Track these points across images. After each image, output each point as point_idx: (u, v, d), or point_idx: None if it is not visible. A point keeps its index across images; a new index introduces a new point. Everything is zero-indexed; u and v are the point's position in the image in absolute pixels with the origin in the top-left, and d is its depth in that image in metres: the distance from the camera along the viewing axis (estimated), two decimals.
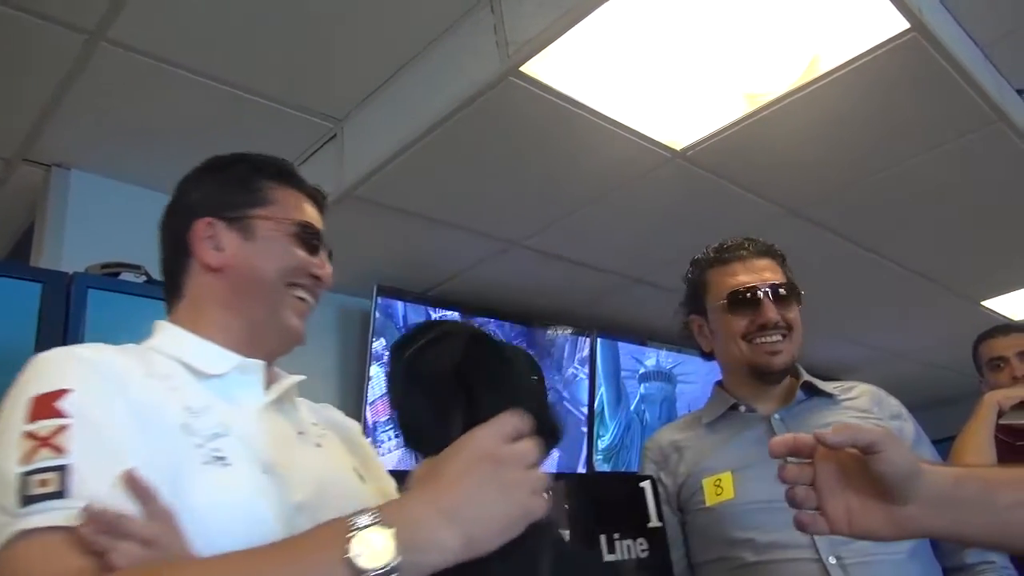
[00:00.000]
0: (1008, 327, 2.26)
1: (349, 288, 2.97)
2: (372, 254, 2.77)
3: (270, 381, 0.98)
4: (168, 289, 0.99)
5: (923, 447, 1.44)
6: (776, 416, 1.45)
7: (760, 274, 1.44)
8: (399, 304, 2.96)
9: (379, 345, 2.83)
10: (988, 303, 3.87)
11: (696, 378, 4.01)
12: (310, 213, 1.04)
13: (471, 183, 2.36)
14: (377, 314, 2.85)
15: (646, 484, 1.08)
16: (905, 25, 1.79)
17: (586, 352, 3.54)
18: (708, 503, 1.41)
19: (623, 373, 3.80)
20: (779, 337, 1.42)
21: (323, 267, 1.02)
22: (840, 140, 2.29)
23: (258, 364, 0.94)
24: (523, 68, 1.83)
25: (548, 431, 0.74)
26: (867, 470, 0.79)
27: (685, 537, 1.47)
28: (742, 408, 1.49)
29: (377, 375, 2.78)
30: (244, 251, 0.95)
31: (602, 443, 3.57)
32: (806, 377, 1.49)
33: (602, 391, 3.64)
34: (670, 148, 2.26)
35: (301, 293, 0.99)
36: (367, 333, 2.85)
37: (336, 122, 2.32)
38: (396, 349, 0.78)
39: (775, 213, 2.68)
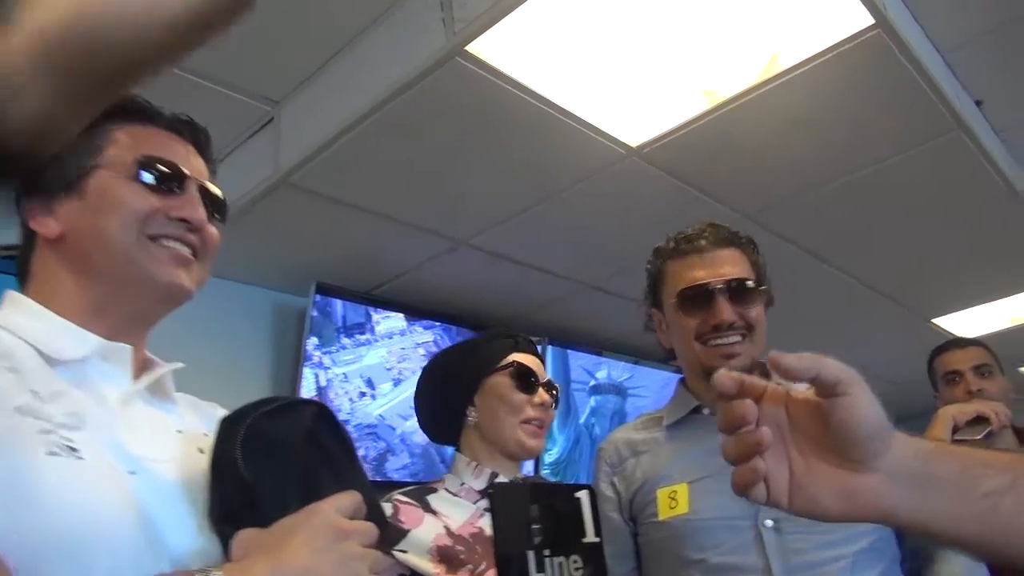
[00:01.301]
0: (963, 341, 2.22)
1: (286, 284, 2.81)
2: (311, 248, 2.62)
3: (142, 368, 0.83)
4: (19, 273, 0.85)
5: None
6: None
7: (717, 268, 1.30)
8: (338, 303, 2.80)
9: (312, 344, 2.67)
10: (938, 321, 3.87)
11: (649, 392, 3.93)
12: (167, 146, 0.87)
13: (416, 174, 2.23)
14: (314, 312, 2.69)
15: (583, 494, 0.96)
16: (870, 20, 1.73)
17: None
18: (661, 516, 1.29)
19: (573, 384, 3.69)
20: (737, 338, 1.29)
21: (187, 207, 0.85)
22: (799, 143, 2.22)
23: (123, 349, 0.80)
24: (470, 48, 1.72)
25: (376, 522, 0.75)
26: (824, 423, 0.63)
27: (637, 550, 1.35)
28: (705, 411, 1.37)
29: (308, 377, 2.62)
30: (77, 212, 0.80)
31: (549, 457, 3.44)
32: (775, 379, 1.38)
33: None
34: (626, 145, 2.16)
35: (169, 243, 0.83)
36: (303, 332, 2.68)
37: (273, 104, 2.17)
38: (231, 420, 0.74)
39: (733, 219, 2.60)
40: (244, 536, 0.68)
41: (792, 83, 1.93)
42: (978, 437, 1.91)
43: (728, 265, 1.31)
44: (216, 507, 0.72)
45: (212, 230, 0.88)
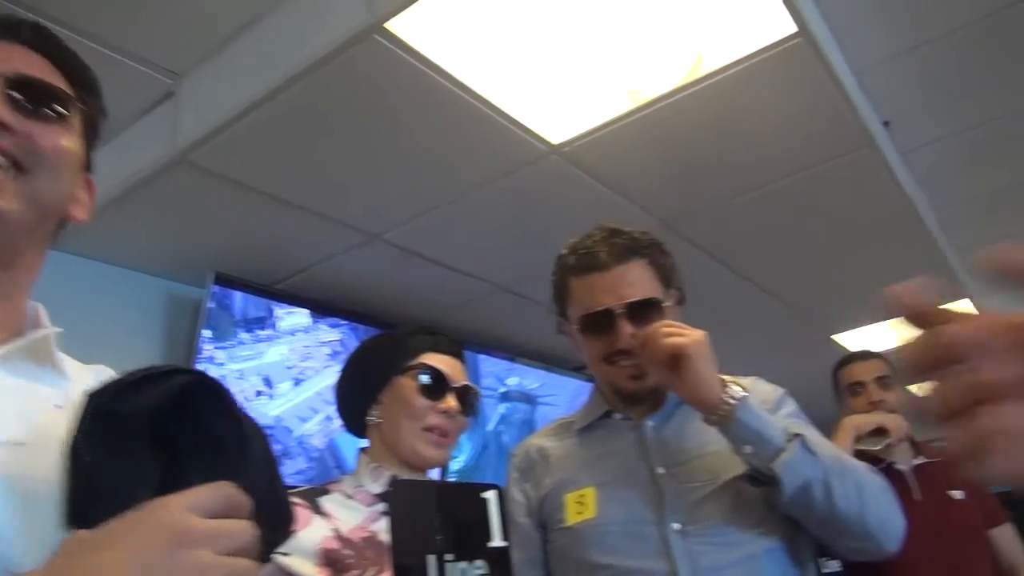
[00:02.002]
0: (867, 354, 2.27)
1: (182, 273, 2.63)
2: (210, 235, 2.46)
3: (13, 333, 0.71)
4: None
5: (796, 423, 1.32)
6: (649, 423, 1.29)
7: (619, 290, 1.25)
8: (238, 295, 2.64)
9: (206, 337, 2.50)
10: (838, 337, 3.99)
11: (560, 400, 3.90)
12: None
13: (326, 159, 2.11)
14: (211, 304, 2.52)
15: (490, 495, 0.88)
16: (793, 28, 1.74)
17: None
18: (569, 522, 1.24)
19: (483, 391, 3.62)
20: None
21: None
22: (720, 150, 2.23)
23: None
24: (390, 25, 1.63)
25: (271, 522, 0.59)
26: None
27: (546, 558, 1.29)
28: (616, 415, 1.34)
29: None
30: None
31: (456, 464, 3.36)
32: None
33: None
34: (547, 142, 2.11)
35: None
36: (197, 325, 2.51)
37: (175, 77, 2.02)
38: (90, 394, 0.58)
39: (651, 225, 2.59)
40: (67, 544, 0.52)
41: (715, 87, 1.92)
42: (878, 448, 1.95)
43: (630, 285, 1.25)
44: (64, 503, 0.58)
45: (32, 129, 0.70)
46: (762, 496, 1.14)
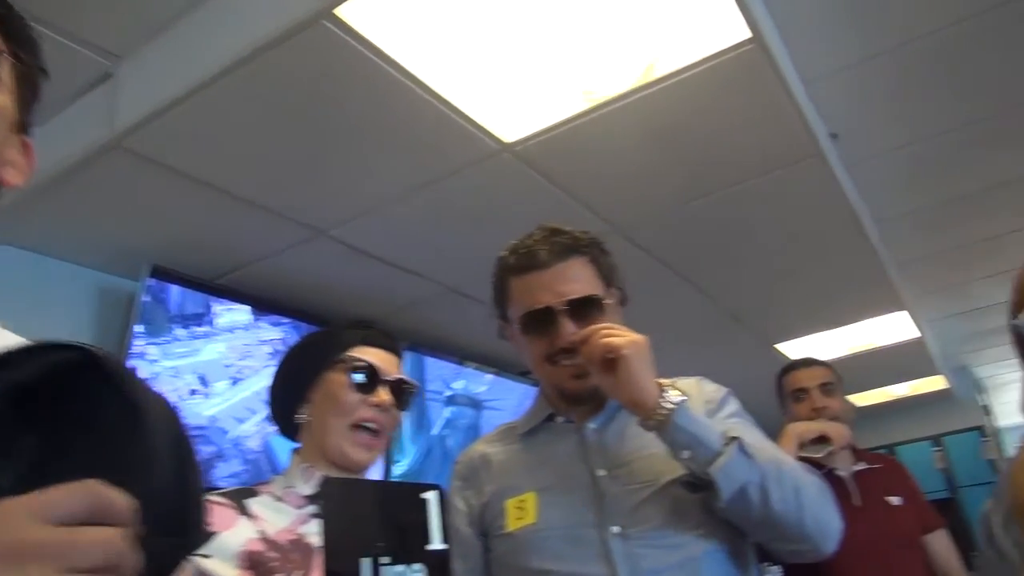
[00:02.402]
0: (811, 361, 2.30)
1: (116, 266, 2.51)
2: (147, 225, 2.36)
3: None
4: None
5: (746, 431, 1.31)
6: (591, 425, 1.27)
7: (559, 287, 1.23)
8: (175, 289, 2.54)
9: (139, 332, 2.39)
10: (781, 346, 4.05)
11: (507, 405, 3.86)
12: None
13: (271, 150, 2.04)
14: (146, 297, 2.42)
15: (430, 495, 0.84)
16: (747, 34, 1.75)
17: None
18: (509, 528, 1.21)
19: (429, 394, 3.56)
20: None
21: None
22: (671, 155, 2.23)
23: None
24: (340, 12, 1.58)
25: (177, 525, 0.50)
26: None
27: (488, 566, 1.26)
28: (559, 419, 1.31)
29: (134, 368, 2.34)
30: None
31: (399, 469, 3.29)
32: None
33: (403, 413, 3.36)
34: (499, 140, 2.08)
35: None
36: (130, 319, 2.40)
37: (114, 59, 1.93)
38: None
39: (602, 229, 2.58)
40: None
41: (668, 91, 1.92)
42: (820, 455, 1.97)
43: (570, 282, 1.24)
44: None
45: None
46: (701, 500, 1.13)
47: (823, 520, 1.16)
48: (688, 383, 1.33)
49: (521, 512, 1.22)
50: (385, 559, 0.76)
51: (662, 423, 1.09)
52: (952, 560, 2.16)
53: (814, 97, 2.34)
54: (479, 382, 3.83)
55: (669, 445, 1.11)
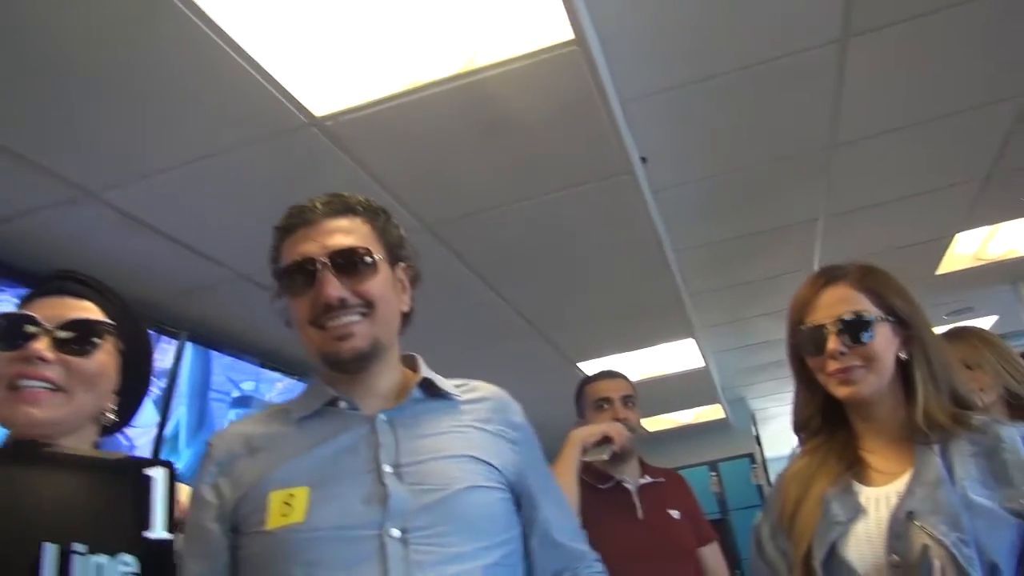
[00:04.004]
0: (614, 373, 2.34)
1: None
2: None
3: None
4: None
5: (538, 461, 1.25)
6: (382, 417, 1.14)
7: (325, 240, 1.12)
8: None
9: None
10: (583, 365, 4.15)
11: None
12: None
13: (33, 88, 1.72)
14: None
15: (156, 473, 0.68)
16: (570, 35, 1.73)
17: (169, 359, 2.93)
18: (269, 525, 1.04)
19: (212, 392, 3.25)
20: (355, 317, 1.11)
21: None
22: (486, 152, 2.18)
23: None
24: None
25: None
26: None
27: (236, 569, 1.08)
28: (343, 404, 1.17)
29: None
30: None
31: None
32: (425, 372, 1.21)
33: (181, 411, 3.04)
34: (308, 112, 1.92)
35: None
36: None
37: None
38: None
39: (409, 225, 2.48)
40: None
41: (487, 83, 1.87)
42: (604, 457, 1.97)
43: (340, 235, 1.13)
44: None
45: None
46: (492, 511, 1.09)
47: None
48: (491, 394, 1.26)
49: (287, 508, 1.05)
50: (80, 547, 0.60)
51: None
52: (723, 571, 2.26)
53: (629, 117, 2.39)
54: (273, 384, 3.56)
55: None
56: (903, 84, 2.45)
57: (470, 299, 3.13)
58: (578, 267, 3.05)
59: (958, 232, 3.82)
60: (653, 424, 6.77)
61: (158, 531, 0.68)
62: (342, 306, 1.09)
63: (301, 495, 1.05)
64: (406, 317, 1.24)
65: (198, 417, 3.15)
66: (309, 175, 2.11)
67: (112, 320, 1.16)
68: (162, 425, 2.88)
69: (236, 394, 3.40)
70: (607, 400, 2.22)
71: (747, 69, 2.26)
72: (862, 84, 2.40)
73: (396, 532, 1.02)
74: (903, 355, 1.24)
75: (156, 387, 2.86)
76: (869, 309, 1.24)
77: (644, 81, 2.26)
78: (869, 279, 1.29)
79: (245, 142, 2.00)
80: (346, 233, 1.13)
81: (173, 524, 0.68)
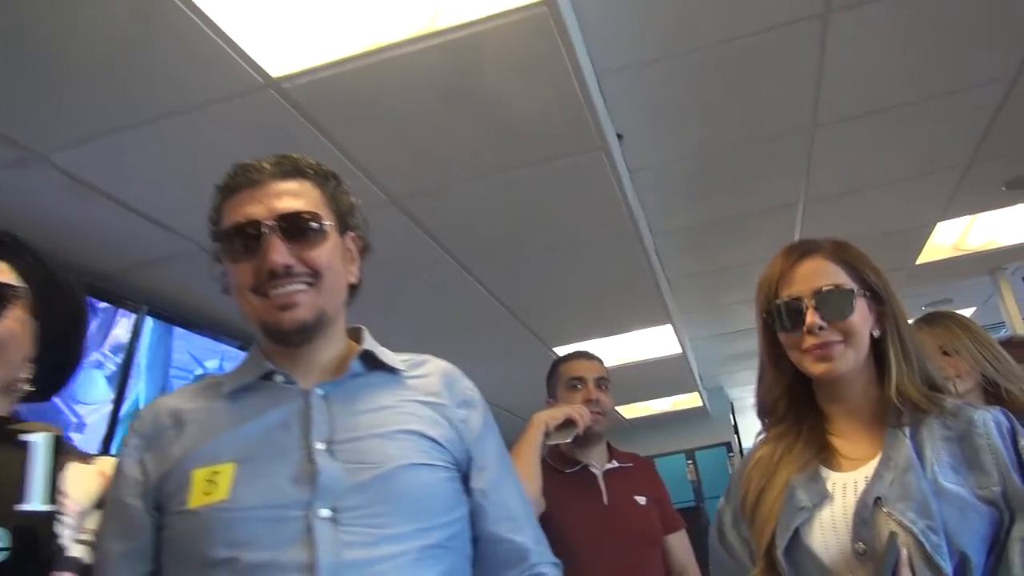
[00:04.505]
0: (590, 354, 2.29)
1: None
2: None
3: None
4: None
5: (488, 442, 1.17)
6: (319, 391, 1.07)
7: (271, 202, 1.05)
8: None
9: None
10: (559, 350, 4.08)
11: None
12: None
13: None
14: None
15: (36, 439, 0.61)
16: None
17: (126, 333, 2.83)
18: (192, 504, 0.97)
19: (173, 370, 3.15)
20: (300, 286, 1.04)
21: None
22: (453, 122, 2.09)
23: None
24: None
25: None
26: None
27: (159, 549, 1.01)
28: (279, 377, 1.09)
29: None
30: None
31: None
32: (368, 344, 1.14)
33: (139, 388, 2.94)
34: (265, 73, 1.83)
35: None
36: None
37: None
38: None
39: (375, 199, 2.39)
40: None
41: (452, 46, 1.78)
42: (568, 440, 1.92)
43: (288, 198, 1.06)
44: None
45: None
46: (433, 492, 1.03)
47: None
48: (439, 369, 1.19)
49: (211, 486, 0.98)
50: None
51: None
52: (689, 561, 2.21)
53: (605, 90, 2.31)
54: (238, 363, 3.46)
55: None
56: (885, 65, 2.40)
57: (441, 279, 3.05)
58: (552, 247, 2.97)
59: (939, 221, 3.79)
60: (631, 412, 6.74)
61: (35, 503, 0.60)
62: (287, 274, 1.03)
63: (226, 472, 0.99)
64: (354, 289, 1.17)
65: (159, 395, 3.06)
66: (270, 143, 1.96)
67: (30, 283, 1.07)
68: (117, 402, 2.78)
69: (199, 371, 3.30)
70: (580, 380, 2.16)
71: (727, 43, 2.19)
72: (843, 63, 2.34)
73: (325, 512, 0.96)
74: (876, 332, 1.19)
75: (111, 363, 2.77)
76: (847, 282, 1.18)
77: (620, 54, 2.19)
78: (844, 252, 1.23)
79: (200, 104, 1.90)
80: (295, 196, 1.07)
81: (55, 495, 0.60)
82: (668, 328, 4.26)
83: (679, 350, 4.69)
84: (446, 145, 2.17)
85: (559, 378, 2.22)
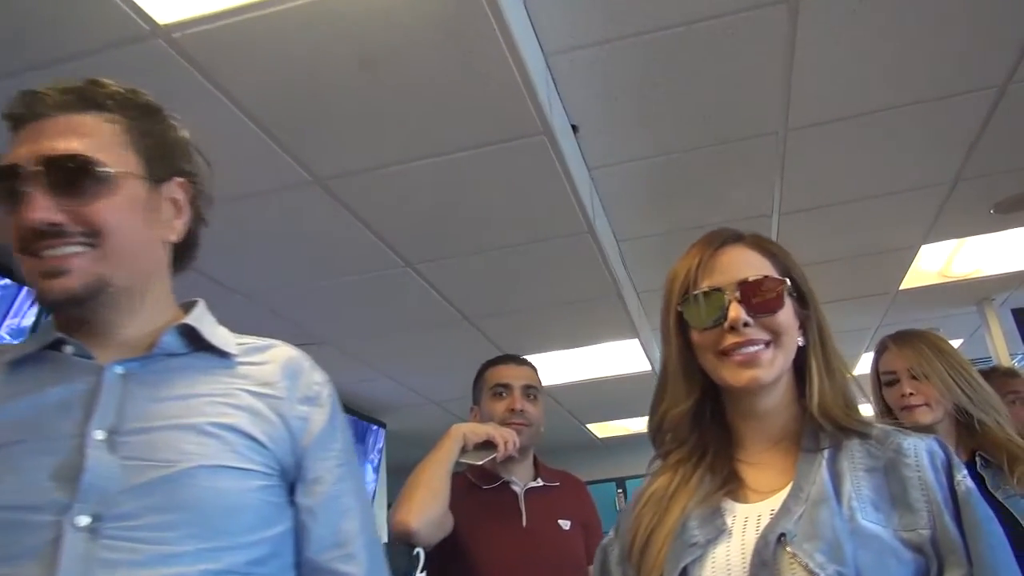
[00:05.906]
0: (520, 359, 2.10)
1: None
2: None
3: None
4: None
5: (328, 449, 0.95)
6: (117, 369, 0.87)
7: (41, 143, 0.85)
8: None
9: None
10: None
11: None
12: None
13: None
14: None
15: None
16: None
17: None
18: None
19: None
20: (75, 248, 0.85)
21: None
22: (366, 88, 1.88)
23: None
24: None
25: None
26: None
27: None
28: (68, 348, 0.89)
29: None
30: None
31: None
32: (192, 319, 0.93)
33: None
34: (152, 20, 1.63)
35: None
36: None
37: None
38: None
39: (300, 177, 2.19)
40: None
41: (368, 3, 1.58)
42: (480, 463, 1.72)
43: (64, 138, 0.86)
44: None
45: None
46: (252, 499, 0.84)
47: None
48: (284, 356, 0.97)
49: None
50: None
51: None
52: None
53: (555, 72, 2.11)
54: None
55: None
56: (860, 64, 2.19)
57: (379, 272, 2.84)
58: (503, 245, 2.76)
59: (923, 244, 3.57)
60: (603, 431, 6.53)
61: None
62: (57, 233, 0.83)
63: None
64: (181, 249, 0.97)
65: None
66: (152, 92, 1.82)
67: None
68: None
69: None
70: (506, 387, 1.96)
71: (689, 26, 1.99)
72: (815, 58, 2.13)
73: (83, 520, 0.76)
74: (800, 341, 0.98)
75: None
76: (776, 276, 0.97)
77: (568, 32, 1.98)
78: (769, 244, 1.04)
79: (84, 52, 1.70)
80: (76, 136, 0.86)
81: None
82: (636, 343, 4.04)
83: (648, 367, 4.47)
84: (361, 116, 1.96)
85: (484, 383, 2.02)
